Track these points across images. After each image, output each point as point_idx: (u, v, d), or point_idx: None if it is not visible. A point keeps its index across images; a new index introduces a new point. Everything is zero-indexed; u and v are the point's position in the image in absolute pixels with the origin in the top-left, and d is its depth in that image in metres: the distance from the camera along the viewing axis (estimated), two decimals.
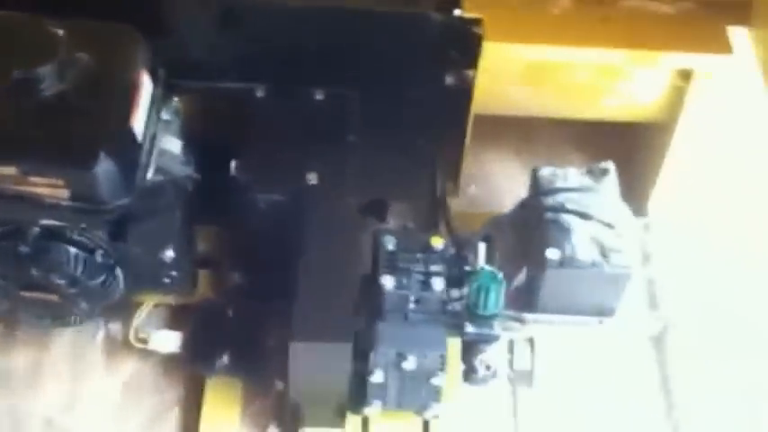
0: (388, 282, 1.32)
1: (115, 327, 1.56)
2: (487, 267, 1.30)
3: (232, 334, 1.48)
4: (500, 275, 1.30)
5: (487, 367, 1.33)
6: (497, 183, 1.82)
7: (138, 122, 1.36)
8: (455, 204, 1.70)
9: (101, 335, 1.55)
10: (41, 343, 1.53)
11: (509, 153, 1.85)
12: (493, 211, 1.69)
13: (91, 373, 1.52)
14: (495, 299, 1.31)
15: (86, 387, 1.50)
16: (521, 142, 1.85)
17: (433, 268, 1.33)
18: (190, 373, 1.50)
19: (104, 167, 1.28)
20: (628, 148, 1.74)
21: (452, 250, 1.38)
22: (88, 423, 1.47)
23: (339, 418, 1.42)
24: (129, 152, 1.33)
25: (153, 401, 1.50)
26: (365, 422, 1.44)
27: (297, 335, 1.27)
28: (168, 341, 1.50)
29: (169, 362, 1.52)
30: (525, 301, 1.56)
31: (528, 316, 1.55)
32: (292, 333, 1.27)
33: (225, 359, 1.46)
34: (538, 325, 1.54)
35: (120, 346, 1.54)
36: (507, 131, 1.83)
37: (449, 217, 1.64)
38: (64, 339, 1.54)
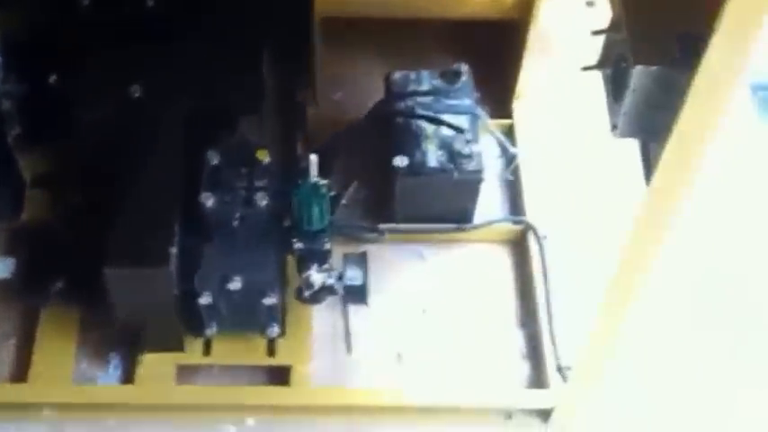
0: (208, 199, 1.24)
1: None
2: (313, 180, 1.22)
3: (67, 259, 1.40)
4: (324, 188, 1.22)
5: (319, 284, 1.26)
6: (364, 87, 1.73)
7: None
8: (322, 111, 1.62)
9: None
10: None
11: (375, 56, 1.76)
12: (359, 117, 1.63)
13: None
14: (320, 213, 1.23)
15: None
16: (387, 45, 1.76)
17: (258, 183, 1.26)
18: (23, 301, 1.43)
19: None
20: (496, 47, 1.66)
21: (280, 164, 1.31)
22: None
23: (178, 342, 1.36)
24: None
25: None
26: (207, 344, 1.39)
27: (110, 260, 1.20)
28: None
29: (3, 290, 1.44)
30: (381, 211, 1.51)
31: (384, 226, 1.51)
32: (106, 258, 1.20)
33: (59, 286, 1.38)
34: (393, 234, 1.50)
35: None
36: (373, 34, 1.74)
37: (305, 127, 1.56)
38: None
